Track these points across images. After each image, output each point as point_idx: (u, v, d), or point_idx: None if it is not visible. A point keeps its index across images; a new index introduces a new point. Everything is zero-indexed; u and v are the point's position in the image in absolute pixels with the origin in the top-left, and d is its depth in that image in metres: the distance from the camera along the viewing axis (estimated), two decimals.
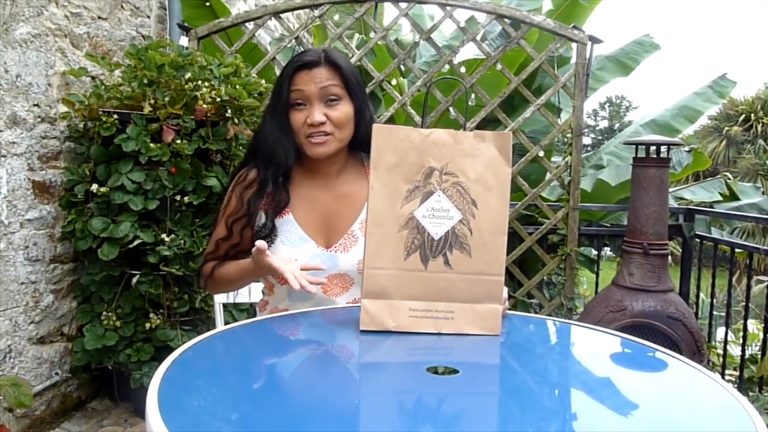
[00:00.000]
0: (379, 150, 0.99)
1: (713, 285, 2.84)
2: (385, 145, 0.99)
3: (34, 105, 2.21)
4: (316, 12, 2.83)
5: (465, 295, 1.00)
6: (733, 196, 4.13)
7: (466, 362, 0.93)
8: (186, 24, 3.01)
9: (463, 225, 0.99)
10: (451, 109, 2.93)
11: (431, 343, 1.01)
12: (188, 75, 2.24)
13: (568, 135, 2.86)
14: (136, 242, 2.15)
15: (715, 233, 3.48)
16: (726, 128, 20.49)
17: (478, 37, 2.95)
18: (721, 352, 2.91)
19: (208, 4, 3.24)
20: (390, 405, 0.78)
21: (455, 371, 0.86)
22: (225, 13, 3.22)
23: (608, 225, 3.80)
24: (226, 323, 1.55)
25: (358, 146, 1.29)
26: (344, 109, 1.22)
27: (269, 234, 1.24)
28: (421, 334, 1.01)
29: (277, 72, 2.53)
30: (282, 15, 2.89)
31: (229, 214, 1.28)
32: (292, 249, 1.24)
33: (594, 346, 1.05)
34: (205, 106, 2.20)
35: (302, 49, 1.52)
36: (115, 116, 2.19)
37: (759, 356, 2.81)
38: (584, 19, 3.97)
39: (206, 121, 2.25)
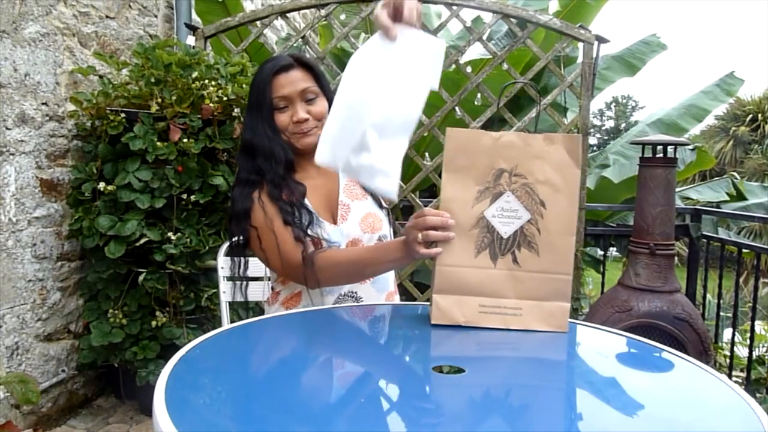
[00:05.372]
0: (451, 153, 1.03)
1: (720, 286, 2.83)
2: (457, 148, 1.03)
3: (43, 103, 2.22)
4: (323, 11, 2.83)
5: (533, 292, 1.03)
6: (740, 196, 4.11)
7: (472, 362, 0.93)
8: (195, 22, 3.03)
9: (532, 225, 1.03)
10: (457, 108, 2.93)
11: (436, 342, 1.01)
12: (195, 74, 2.25)
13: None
14: (142, 240, 2.16)
15: (722, 233, 3.46)
16: (733, 128, 20.38)
17: (485, 37, 2.95)
18: (728, 353, 2.90)
19: (221, 0, 3.26)
20: (394, 404, 0.78)
21: (461, 370, 0.86)
22: (237, 9, 3.23)
23: (614, 225, 3.79)
24: (232, 321, 1.56)
25: None
26: (322, 104, 1.35)
27: (311, 222, 1.30)
28: (423, 333, 1.01)
29: None
30: (288, 14, 2.90)
31: (283, 219, 1.28)
32: (312, 232, 1.30)
33: (600, 346, 1.05)
34: (211, 105, 2.21)
35: (276, 54, 1.54)
36: (123, 115, 2.20)
37: (767, 358, 2.79)
38: (591, 19, 3.96)
39: (213, 120, 2.26)
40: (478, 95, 3.65)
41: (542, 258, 1.03)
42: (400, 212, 3.50)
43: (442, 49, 1.00)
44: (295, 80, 1.31)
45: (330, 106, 1.37)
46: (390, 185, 0.97)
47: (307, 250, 1.25)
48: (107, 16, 2.57)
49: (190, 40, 2.89)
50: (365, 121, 0.97)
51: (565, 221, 1.03)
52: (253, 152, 1.33)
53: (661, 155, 2.49)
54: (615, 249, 4.08)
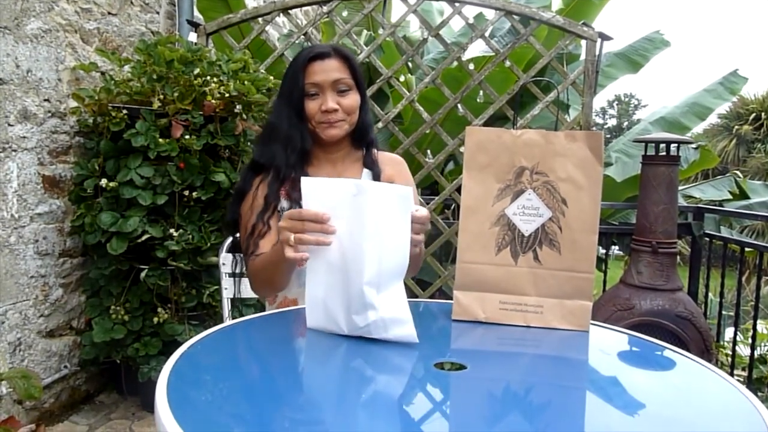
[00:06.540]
0: (472, 151, 1.04)
1: (722, 284, 2.82)
2: (477, 146, 1.04)
3: (45, 100, 2.22)
4: (325, 8, 2.83)
5: (554, 290, 1.03)
6: (743, 195, 4.09)
7: (474, 359, 0.93)
8: (197, 18, 3.02)
9: (553, 223, 1.03)
10: (459, 105, 2.92)
11: (437, 339, 1.01)
12: (197, 71, 2.24)
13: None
14: (144, 237, 2.17)
15: (725, 232, 3.45)
16: (736, 127, 20.33)
17: (487, 34, 2.94)
18: (729, 352, 2.89)
19: None
20: (395, 401, 0.78)
21: (463, 367, 0.86)
22: (239, 5, 3.22)
23: (616, 223, 3.78)
24: (233, 318, 1.56)
25: (356, 134, 1.38)
26: (354, 98, 1.32)
27: None
28: (424, 330, 1.01)
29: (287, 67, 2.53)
30: (290, 11, 2.89)
31: (259, 211, 1.29)
32: None
33: (602, 344, 1.05)
34: (213, 101, 2.21)
35: (310, 44, 1.54)
36: (125, 111, 2.20)
37: None
38: (594, 16, 3.95)
39: (215, 117, 2.25)
40: (480, 92, 3.64)
41: (564, 256, 1.02)
42: None
43: (409, 193, 0.92)
44: (329, 69, 1.29)
45: (362, 102, 1.35)
46: (406, 330, 0.91)
47: (254, 255, 1.24)
48: (109, 13, 2.57)
49: (192, 37, 2.89)
50: (358, 283, 0.92)
51: (587, 219, 1.02)
52: (271, 136, 1.33)
53: (664, 153, 2.49)
54: (617, 247, 4.07)
